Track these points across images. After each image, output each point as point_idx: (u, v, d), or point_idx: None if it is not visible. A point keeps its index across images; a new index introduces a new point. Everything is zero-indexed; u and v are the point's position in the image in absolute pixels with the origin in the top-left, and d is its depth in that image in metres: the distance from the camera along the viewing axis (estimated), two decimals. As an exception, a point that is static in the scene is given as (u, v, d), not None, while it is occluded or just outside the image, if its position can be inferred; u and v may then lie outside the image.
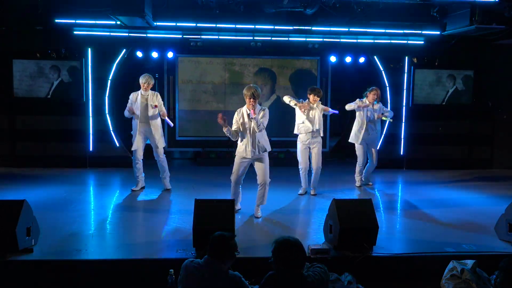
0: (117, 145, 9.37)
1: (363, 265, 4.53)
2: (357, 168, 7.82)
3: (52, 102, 9.11)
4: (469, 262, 4.21)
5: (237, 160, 5.94)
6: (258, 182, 5.97)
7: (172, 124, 7.55)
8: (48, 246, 4.76)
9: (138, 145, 7.05)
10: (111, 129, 9.32)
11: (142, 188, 7.38)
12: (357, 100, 7.60)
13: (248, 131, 5.76)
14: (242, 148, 5.83)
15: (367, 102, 7.55)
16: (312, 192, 7.28)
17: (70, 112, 9.16)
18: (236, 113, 5.87)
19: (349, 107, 7.62)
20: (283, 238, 3.20)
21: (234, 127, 5.81)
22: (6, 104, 9.09)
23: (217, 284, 3.30)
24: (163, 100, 7.53)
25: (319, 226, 5.44)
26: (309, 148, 7.11)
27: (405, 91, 9.71)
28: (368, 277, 4.42)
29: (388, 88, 9.66)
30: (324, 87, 10.63)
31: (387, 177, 8.81)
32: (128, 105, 6.96)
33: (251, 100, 5.65)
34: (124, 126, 10.22)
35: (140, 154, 7.13)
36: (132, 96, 7.04)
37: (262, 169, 5.90)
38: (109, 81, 9.21)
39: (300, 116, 7.06)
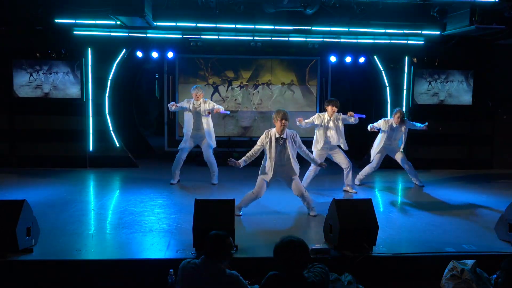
0: (117, 145, 9.37)
1: (363, 265, 4.53)
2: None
3: (52, 102, 9.12)
4: (469, 262, 4.21)
5: (260, 179, 5.98)
6: (296, 194, 6.13)
7: (229, 112, 8.39)
8: (48, 246, 4.76)
9: (186, 146, 7.77)
10: (111, 129, 9.32)
11: (178, 181, 8.00)
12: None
13: (273, 154, 5.81)
14: (267, 170, 5.89)
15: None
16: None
17: (70, 112, 9.16)
18: (264, 134, 5.90)
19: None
20: (288, 238, 3.19)
21: (257, 147, 5.91)
22: (6, 104, 9.10)
23: (215, 284, 3.30)
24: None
25: (319, 226, 5.44)
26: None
27: (405, 91, 9.71)
28: (368, 277, 4.42)
29: (388, 88, 9.66)
30: (324, 87, 10.63)
31: (387, 177, 8.81)
32: (178, 104, 7.77)
33: (283, 121, 5.74)
34: (124, 126, 10.24)
35: (185, 155, 7.83)
36: (186, 102, 7.73)
37: (295, 185, 6.02)
38: (109, 81, 9.21)
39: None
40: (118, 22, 7.99)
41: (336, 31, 8.91)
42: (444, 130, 9.90)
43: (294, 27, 8.78)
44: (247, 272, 3.94)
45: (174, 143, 10.42)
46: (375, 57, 9.58)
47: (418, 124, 7.83)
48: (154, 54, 9.41)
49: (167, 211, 6.30)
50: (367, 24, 8.82)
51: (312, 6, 7.86)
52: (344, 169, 7.41)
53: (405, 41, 9.17)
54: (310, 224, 5.87)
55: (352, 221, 4.72)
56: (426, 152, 9.87)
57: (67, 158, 9.21)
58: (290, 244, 3.13)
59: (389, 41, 9.14)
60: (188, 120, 7.72)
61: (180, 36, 8.92)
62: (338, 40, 9.09)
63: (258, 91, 10.50)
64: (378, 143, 7.84)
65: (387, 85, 9.66)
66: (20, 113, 9.16)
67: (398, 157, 7.92)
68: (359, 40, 9.12)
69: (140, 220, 5.80)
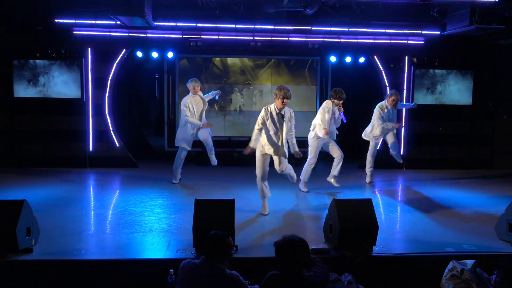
0: (117, 145, 9.37)
1: (363, 265, 4.53)
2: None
3: (52, 102, 9.11)
4: (469, 262, 4.21)
5: (258, 155, 6.02)
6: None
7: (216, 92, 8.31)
8: (48, 246, 4.76)
9: (189, 145, 7.81)
10: (111, 129, 9.31)
11: (180, 179, 8.03)
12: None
13: (272, 130, 5.90)
14: (264, 143, 5.94)
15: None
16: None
17: (70, 112, 9.16)
18: (263, 110, 5.96)
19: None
20: (289, 237, 3.19)
21: (259, 126, 5.91)
22: (6, 104, 9.09)
23: (215, 284, 3.31)
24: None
25: (319, 226, 5.44)
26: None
27: (405, 91, 9.71)
28: (368, 277, 4.42)
29: (388, 88, 9.65)
30: (324, 87, 10.63)
31: (387, 177, 8.81)
32: (188, 117, 7.55)
33: (285, 100, 5.83)
34: (124, 126, 10.24)
35: (184, 154, 7.87)
36: (187, 101, 7.54)
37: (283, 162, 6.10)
38: (109, 81, 9.20)
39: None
40: (118, 22, 7.99)
41: (336, 31, 8.91)
42: (444, 130, 9.90)
43: (294, 27, 8.78)
44: (247, 272, 3.94)
45: (174, 143, 10.39)
46: (375, 57, 9.58)
47: (407, 103, 8.12)
48: (154, 54, 9.41)
49: (167, 211, 6.30)
50: (367, 24, 8.82)
51: (312, 6, 7.86)
52: (335, 158, 7.38)
53: (405, 41, 9.18)
54: (310, 224, 5.87)
55: (352, 221, 4.71)
56: (426, 152, 9.87)
57: (67, 158, 9.20)
58: (291, 243, 3.13)
59: (389, 41, 9.15)
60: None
61: (180, 36, 8.92)
62: (338, 40, 9.09)
63: (257, 90, 10.50)
64: (373, 129, 7.95)
65: (387, 85, 9.65)
66: (20, 113, 9.15)
67: (390, 139, 8.05)
68: (359, 40, 9.13)
69: (140, 220, 5.80)
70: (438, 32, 8.87)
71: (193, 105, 7.57)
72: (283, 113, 5.94)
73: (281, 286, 3.09)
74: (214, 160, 8.00)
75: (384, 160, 8.98)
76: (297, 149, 6.15)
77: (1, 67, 8.97)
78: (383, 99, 9.72)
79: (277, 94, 5.83)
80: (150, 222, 5.73)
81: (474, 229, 5.67)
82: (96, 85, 9.18)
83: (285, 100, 5.82)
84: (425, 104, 9.76)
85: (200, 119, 7.66)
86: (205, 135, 7.82)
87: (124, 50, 9.11)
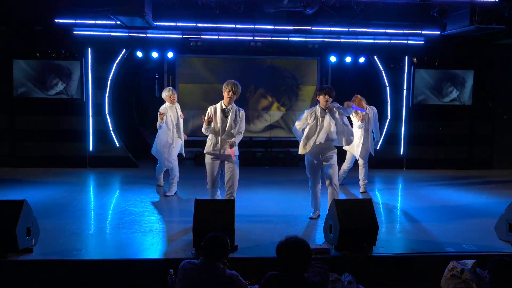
0: (117, 145, 9.37)
1: (363, 265, 4.53)
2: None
3: (52, 102, 9.12)
4: (469, 262, 4.21)
5: (207, 160, 5.67)
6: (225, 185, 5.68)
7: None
8: (48, 246, 4.76)
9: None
10: (111, 129, 9.32)
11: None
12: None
13: (218, 126, 5.52)
14: (209, 144, 5.62)
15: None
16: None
17: (70, 112, 9.17)
18: (210, 109, 5.60)
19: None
20: (292, 239, 3.19)
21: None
22: (6, 104, 9.10)
23: (215, 284, 3.31)
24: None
25: (319, 226, 5.44)
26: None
27: (405, 91, 9.71)
28: (368, 277, 4.42)
29: (388, 88, 9.66)
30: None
31: (387, 177, 8.81)
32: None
33: (230, 93, 5.44)
34: (124, 126, 10.24)
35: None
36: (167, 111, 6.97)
37: (227, 168, 5.64)
38: (109, 81, 9.21)
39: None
40: (118, 22, 7.99)
41: (336, 31, 8.92)
42: (444, 130, 9.90)
43: (294, 27, 8.78)
44: (247, 272, 3.94)
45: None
46: (375, 57, 9.58)
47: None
48: (154, 54, 9.41)
49: (167, 211, 6.30)
50: (367, 24, 8.83)
51: (312, 6, 7.85)
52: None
53: (405, 41, 9.18)
54: (310, 224, 5.86)
55: (352, 221, 4.71)
56: (426, 152, 9.87)
57: (67, 158, 9.21)
58: (294, 245, 3.13)
59: (389, 41, 9.15)
60: (165, 130, 6.98)
61: (180, 36, 8.93)
62: (338, 40, 9.09)
63: (256, 92, 10.52)
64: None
65: (387, 85, 9.66)
66: (20, 113, 9.16)
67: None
68: (359, 40, 9.13)
69: (140, 220, 5.80)
70: (438, 32, 8.87)
71: (172, 113, 7.00)
72: (229, 109, 5.53)
73: (281, 286, 3.09)
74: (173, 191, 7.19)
75: (384, 160, 8.98)
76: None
77: (1, 67, 8.98)
78: (383, 99, 9.76)
79: (224, 88, 5.46)
80: (150, 222, 5.73)
81: (474, 229, 5.67)
82: (96, 85, 9.18)
83: (230, 93, 5.41)
84: (425, 104, 9.77)
85: (178, 132, 7.10)
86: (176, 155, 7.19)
87: (124, 50, 9.12)
